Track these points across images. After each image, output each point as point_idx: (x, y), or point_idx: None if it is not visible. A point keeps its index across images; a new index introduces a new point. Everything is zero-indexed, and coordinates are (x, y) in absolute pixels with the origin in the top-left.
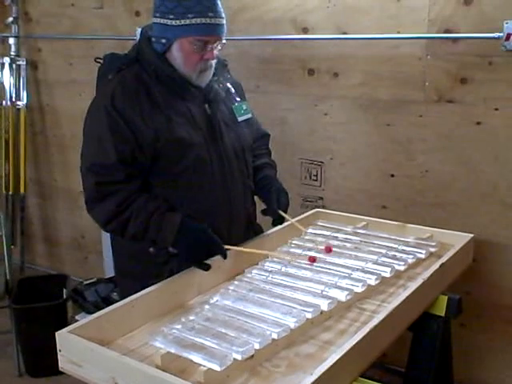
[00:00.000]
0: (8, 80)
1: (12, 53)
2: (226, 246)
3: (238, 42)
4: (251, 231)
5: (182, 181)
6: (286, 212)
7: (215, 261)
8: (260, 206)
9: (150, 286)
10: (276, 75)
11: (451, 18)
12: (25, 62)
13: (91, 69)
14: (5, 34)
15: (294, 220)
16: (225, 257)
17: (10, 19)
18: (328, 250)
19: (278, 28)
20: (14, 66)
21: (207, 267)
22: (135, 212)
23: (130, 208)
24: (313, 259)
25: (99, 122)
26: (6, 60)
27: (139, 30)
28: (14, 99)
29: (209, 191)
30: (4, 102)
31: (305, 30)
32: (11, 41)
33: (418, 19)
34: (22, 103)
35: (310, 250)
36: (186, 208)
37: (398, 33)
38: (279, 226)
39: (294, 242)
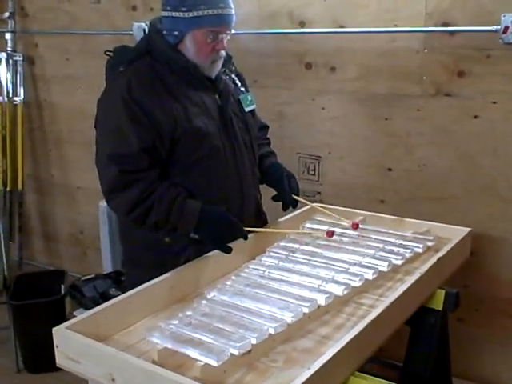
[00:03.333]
0: (5, 76)
1: (8, 48)
2: (246, 228)
3: (234, 36)
4: (260, 220)
5: (197, 169)
6: (298, 196)
7: (212, 256)
8: (263, 194)
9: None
10: (273, 69)
11: (449, 11)
12: (21, 58)
13: (88, 64)
14: (1, 29)
15: (310, 205)
16: (245, 238)
17: (7, 14)
18: (355, 225)
19: (275, 22)
20: (10, 61)
21: (229, 250)
22: (157, 199)
23: (152, 195)
24: (331, 233)
25: (117, 113)
26: (3, 55)
27: (136, 24)
28: (10, 95)
29: (223, 180)
30: (1, 98)
31: (302, 24)
32: (7, 36)
33: (415, 12)
34: (19, 99)
35: (307, 244)
36: (200, 196)
37: (396, 26)
38: (285, 217)
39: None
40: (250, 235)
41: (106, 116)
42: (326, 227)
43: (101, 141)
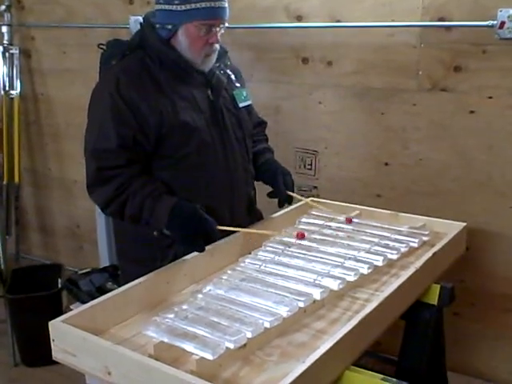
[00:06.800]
0: (1, 69)
1: (5, 41)
2: (219, 227)
3: (231, 31)
4: (252, 216)
5: (185, 165)
6: (293, 192)
7: (208, 250)
8: (259, 191)
9: (154, 269)
10: (270, 64)
11: (445, 5)
12: (18, 51)
13: (85, 57)
14: None
15: (304, 200)
16: (216, 239)
17: (3, 7)
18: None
19: (272, 16)
20: (7, 54)
21: (201, 249)
22: (131, 194)
23: (127, 191)
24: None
25: (102, 108)
26: None
27: (133, 18)
28: (7, 88)
29: (211, 175)
30: None
31: (298, 18)
32: (4, 29)
33: (411, 7)
34: (15, 92)
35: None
36: (188, 192)
37: (392, 21)
38: (280, 212)
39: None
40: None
41: (93, 111)
42: (322, 221)
43: (86, 134)
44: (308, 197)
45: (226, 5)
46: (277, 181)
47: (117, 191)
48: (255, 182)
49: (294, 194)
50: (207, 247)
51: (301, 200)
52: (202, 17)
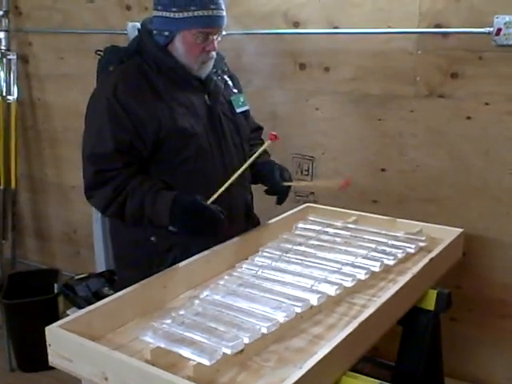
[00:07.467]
0: None
1: (2, 47)
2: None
3: (228, 37)
4: (250, 221)
5: (183, 170)
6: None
7: (205, 256)
8: (256, 196)
9: (151, 274)
10: (267, 70)
11: (442, 12)
12: (15, 56)
13: (82, 63)
14: None
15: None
16: (222, 223)
17: (0, 13)
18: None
19: (269, 22)
20: (4, 60)
21: (213, 235)
22: (130, 192)
23: (125, 190)
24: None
25: (100, 113)
26: None
27: (130, 24)
28: (4, 93)
29: (209, 181)
30: None
31: (296, 25)
32: (1, 35)
33: (408, 14)
34: (12, 97)
35: (300, 244)
36: None
37: (389, 27)
38: (277, 218)
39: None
40: (242, 236)
41: (90, 116)
42: (319, 227)
43: (84, 140)
44: (304, 203)
45: (224, 13)
46: (273, 174)
47: (115, 191)
48: (252, 188)
49: (291, 183)
50: (205, 252)
51: (300, 186)
52: (200, 25)
